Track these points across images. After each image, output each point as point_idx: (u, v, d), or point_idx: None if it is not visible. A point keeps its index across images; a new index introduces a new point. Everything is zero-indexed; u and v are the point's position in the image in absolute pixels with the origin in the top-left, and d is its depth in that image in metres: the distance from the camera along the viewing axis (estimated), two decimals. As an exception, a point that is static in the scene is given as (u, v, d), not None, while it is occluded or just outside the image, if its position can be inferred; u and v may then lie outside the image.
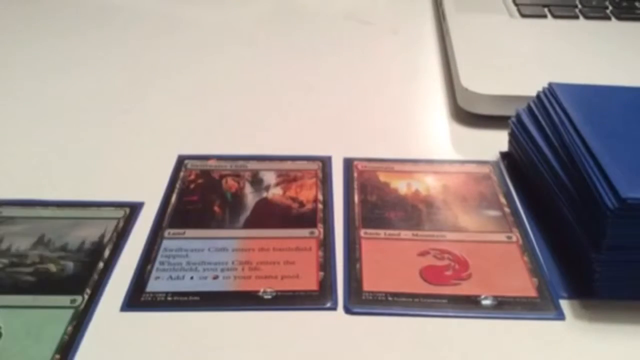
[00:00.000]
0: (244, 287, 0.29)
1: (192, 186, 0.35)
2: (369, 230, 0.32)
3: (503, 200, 0.34)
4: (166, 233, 0.32)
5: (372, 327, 0.27)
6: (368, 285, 0.29)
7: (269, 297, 0.29)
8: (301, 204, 0.34)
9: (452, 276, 0.30)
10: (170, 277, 0.30)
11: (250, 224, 0.33)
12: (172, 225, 0.33)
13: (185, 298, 0.29)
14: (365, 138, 0.40)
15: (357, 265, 0.30)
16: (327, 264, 0.30)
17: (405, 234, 0.32)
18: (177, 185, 0.35)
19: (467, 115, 0.41)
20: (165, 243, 0.31)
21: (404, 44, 0.53)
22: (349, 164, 0.37)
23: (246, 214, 0.33)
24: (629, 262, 0.28)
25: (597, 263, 0.28)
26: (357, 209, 0.34)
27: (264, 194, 0.35)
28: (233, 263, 0.30)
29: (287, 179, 0.36)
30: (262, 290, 0.29)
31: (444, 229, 0.32)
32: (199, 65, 0.49)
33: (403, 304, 0.28)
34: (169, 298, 0.29)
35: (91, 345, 0.27)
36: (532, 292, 0.29)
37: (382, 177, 0.36)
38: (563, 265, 0.30)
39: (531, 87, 0.41)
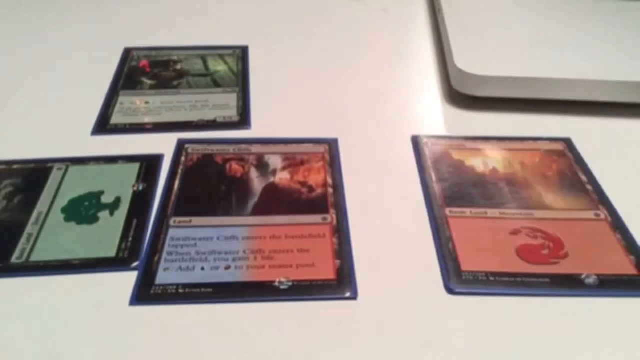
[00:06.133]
0: (258, 277, 0.29)
1: (194, 172, 0.34)
2: (454, 209, 0.32)
3: (583, 177, 0.35)
4: (172, 222, 0.32)
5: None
6: (466, 265, 0.29)
7: (286, 287, 0.28)
8: (311, 189, 0.33)
9: (550, 255, 0.30)
10: (180, 268, 0.29)
11: (258, 210, 0.32)
12: (177, 213, 0.32)
13: (198, 290, 0.28)
14: (356, 120, 0.40)
15: (450, 245, 0.30)
16: (342, 252, 0.30)
17: (492, 212, 0.32)
18: (179, 171, 0.34)
19: (460, 96, 0.42)
20: (172, 232, 0.31)
21: (394, 22, 0.52)
22: (416, 142, 0.37)
23: (254, 199, 0.33)
24: None
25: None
26: (436, 188, 0.34)
27: (271, 179, 0.34)
28: (245, 252, 0.30)
29: (293, 163, 0.35)
30: (277, 280, 0.28)
31: (531, 207, 0.33)
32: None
33: (505, 284, 0.28)
34: (181, 290, 0.28)
35: (101, 341, 0.26)
36: (631, 270, 0.29)
37: (455, 155, 0.36)
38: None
39: (526, 68, 0.41)
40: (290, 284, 0.28)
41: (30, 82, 0.43)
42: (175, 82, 0.43)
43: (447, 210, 0.32)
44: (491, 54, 0.42)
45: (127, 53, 0.47)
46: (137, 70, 0.45)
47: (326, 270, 0.29)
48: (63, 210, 0.32)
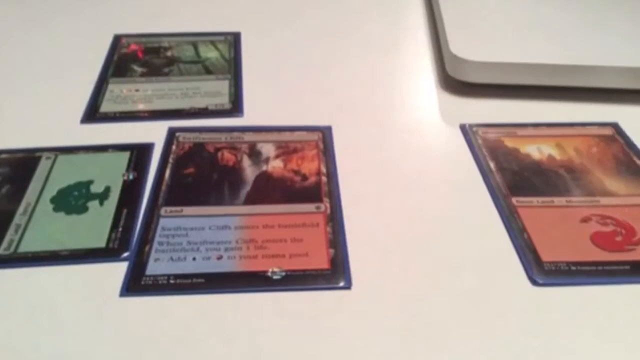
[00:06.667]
0: (250, 267, 0.28)
1: (186, 160, 0.34)
2: (521, 199, 0.32)
3: (638, 161, 0.35)
4: (162, 211, 0.31)
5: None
6: (546, 255, 0.29)
7: (279, 277, 0.28)
8: (304, 177, 0.33)
9: (624, 242, 0.30)
10: (171, 259, 0.29)
11: (251, 199, 0.32)
12: (168, 202, 0.32)
13: (189, 280, 0.28)
14: (351, 107, 0.40)
15: (525, 235, 0.30)
16: (336, 241, 0.30)
17: (559, 200, 0.32)
18: (170, 160, 0.34)
19: (455, 82, 0.41)
20: (163, 222, 0.31)
21: (389, 8, 0.52)
22: (465, 130, 0.37)
23: (246, 188, 0.32)
24: None
25: None
26: (497, 177, 0.33)
27: (264, 167, 0.34)
28: (237, 242, 0.29)
29: (286, 151, 0.35)
30: (270, 270, 0.28)
31: (595, 193, 0.32)
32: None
33: (587, 273, 0.28)
34: (172, 281, 0.28)
35: (91, 333, 0.26)
36: None
37: (509, 143, 0.36)
38: None
39: (523, 54, 0.41)
40: (283, 273, 0.28)
41: (18, 70, 0.43)
42: (166, 69, 0.43)
43: (514, 200, 0.32)
44: (486, 40, 0.42)
45: (117, 40, 0.46)
46: (127, 57, 0.44)
47: (320, 260, 0.28)
48: (52, 200, 0.32)
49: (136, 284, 0.27)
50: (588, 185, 0.33)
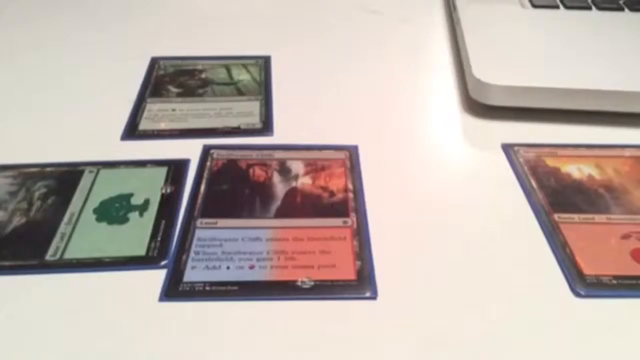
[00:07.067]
0: (281, 276, 0.30)
1: (219, 176, 0.36)
2: (563, 215, 0.33)
3: None
4: (198, 223, 0.33)
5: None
6: (588, 269, 0.30)
7: (308, 286, 0.29)
8: (332, 193, 0.35)
9: None
10: (207, 267, 0.31)
11: (281, 213, 0.34)
12: (203, 215, 0.33)
13: (224, 288, 0.30)
14: (376, 128, 0.41)
15: (567, 250, 0.31)
16: (362, 253, 0.31)
17: (600, 218, 0.33)
18: (205, 175, 0.36)
19: (478, 106, 0.43)
20: (199, 233, 0.32)
21: (413, 33, 0.53)
22: (507, 150, 0.39)
23: (277, 203, 0.34)
24: None
25: None
26: (539, 194, 0.35)
27: (293, 184, 0.36)
28: (268, 253, 0.31)
29: (315, 168, 0.37)
30: (300, 279, 0.29)
31: (635, 212, 0.34)
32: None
33: (628, 287, 0.29)
34: (207, 288, 0.29)
35: (131, 336, 0.27)
36: None
37: (550, 162, 0.37)
38: None
39: (544, 78, 0.42)
40: (312, 283, 0.29)
41: (61, 89, 0.45)
42: (201, 90, 0.45)
43: (556, 216, 0.33)
44: (508, 64, 0.43)
45: (154, 62, 0.49)
46: (163, 79, 0.47)
47: (347, 271, 0.30)
48: (95, 210, 0.34)
49: (174, 290, 0.29)
50: (627, 204, 0.34)
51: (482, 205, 0.34)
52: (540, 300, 0.29)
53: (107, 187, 0.35)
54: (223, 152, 0.38)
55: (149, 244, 0.32)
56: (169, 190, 0.35)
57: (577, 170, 0.37)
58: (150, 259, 0.31)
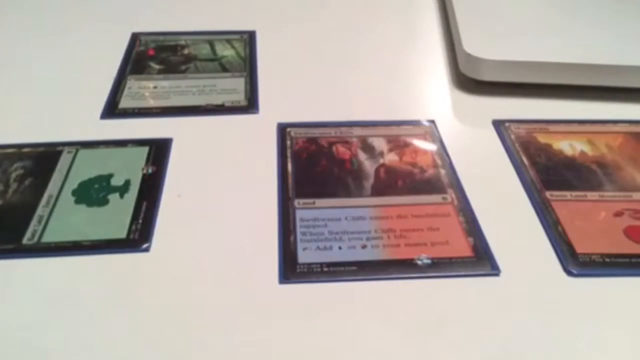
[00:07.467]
0: (396, 255, 0.30)
1: (304, 154, 0.35)
2: (555, 192, 0.33)
3: None
4: (296, 203, 0.32)
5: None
6: (580, 247, 0.30)
7: (426, 264, 0.29)
8: (422, 169, 0.34)
9: None
10: (318, 248, 0.30)
11: (377, 191, 0.33)
12: (299, 195, 0.33)
13: (342, 268, 0.29)
14: (365, 106, 0.40)
15: (559, 228, 0.31)
16: (472, 230, 0.31)
17: (592, 195, 0.33)
18: (289, 154, 0.35)
19: (469, 81, 0.42)
20: (299, 213, 0.32)
21: (403, 7, 0.53)
22: (498, 126, 0.38)
23: (370, 181, 0.34)
24: None
25: None
26: (531, 172, 0.34)
27: (380, 160, 0.35)
28: (376, 231, 0.31)
29: (398, 145, 0.36)
30: (416, 257, 0.29)
31: (628, 189, 0.33)
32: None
33: (622, 265, 0.29)
34: (325, 269, 0.29)
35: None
36: None
37: (542, 138, 0.37)
38: None
39: (536, 52, 0.41)
40: (429, 261, 0.29)
41: (38, 66, 0.43)
42: (183, 67, 0.43)
43: (548, 194, 0.33)
44: (499, 38, 0.43)
45: (135, 38, 0.47)
46: (144, 55, 0.45)
47: (461, 248, 0.30)
48: (73, 192, 0.32)
49: (292, 272, 0.28)
50: (620, 180, 0.34)
51: (472, 184, 0.34)
52: (532, 280, 0.29)
53: (86, 168, 0.34)
54: (300, 131, 0.37)
55: (130, 226, 0.30)
56: (150, 171, 0.34)
57: (569, 146, 0.37)
58: (132, 242, 0.30)
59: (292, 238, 0.30)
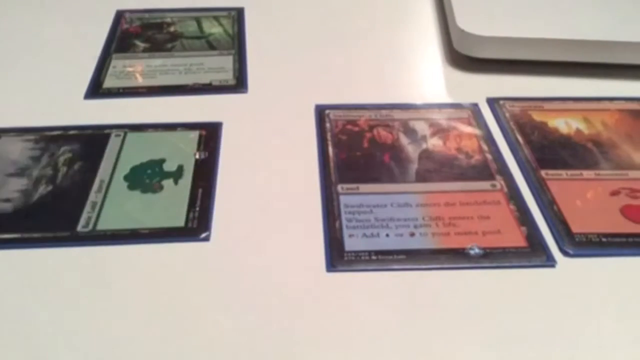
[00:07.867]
0: (447, 243, 0.28)
1: (345, 138, 0.34)
2: (550, 171, 0.32)
3: None
4: (339, 188, 0.30)
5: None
6: (576, 227, 0.29)
7: (478, 254, 0.28)
8: (468, 155, 0.33)
9: None
10: (365, 235, 0.28)
11: (421, 177, 0.31)
12: (342, 180, 0.31)
13: (391, 257, 0.27)
14: (357, 84, 0.39)
15: (555, 207, 0.30)
16: (525, 218, 0.30)
17: (588, 173, 0.32)
18: (329, 137, 0.34)
19: (462, 58, 0.41)
20: (343, 199, 0.30)
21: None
22: (493, 104, 0.37)
23: (414, 166, 0.32)
24: None
25: None
26: (526, 150, 0.33)
27: (424, 145, 0.33)
28: (424, 219, 0.29)
29: (441, 129, 0.35)
30: (468, 246, 0.28)
31: (624, 167, 0.33)
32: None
33: (618, 245, 0.28)
34: (374, 257, 0.27)
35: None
36: None
37: (536, 116, 0.36)
38: None
39: (531, 29, 0.40)
40: (481, 251, 0.28)
41: (19, 45, 0.41)
42: (169, 45, 0.42)
43: (543, 173, 0.32)
44: (493, 15, 0.41)
45: (120, 15, 0.45)
46: (130, 32, 0.43)
47: (515, 237, 0.28)
48: (125, 178, 0.31)
49: (339, 260, 0.27)
50: (616, 158, 0.33)
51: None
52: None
53: (137, 152, 0.32)
54: (339, 113, 0.35)
55: (187, 214, 0.29)
56: (202, 156, 0.32)
57: (564, 124, 0.36)
58: (190, 231, 0.28)
59: (337, 224, 0.28)
